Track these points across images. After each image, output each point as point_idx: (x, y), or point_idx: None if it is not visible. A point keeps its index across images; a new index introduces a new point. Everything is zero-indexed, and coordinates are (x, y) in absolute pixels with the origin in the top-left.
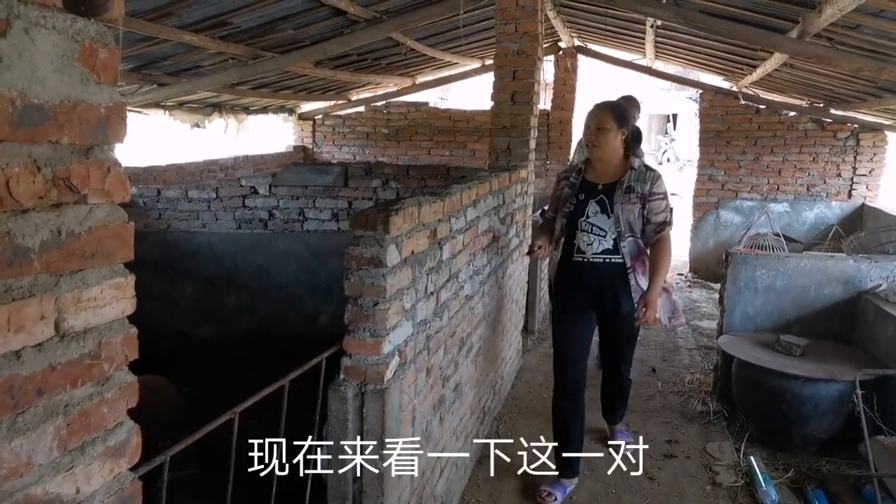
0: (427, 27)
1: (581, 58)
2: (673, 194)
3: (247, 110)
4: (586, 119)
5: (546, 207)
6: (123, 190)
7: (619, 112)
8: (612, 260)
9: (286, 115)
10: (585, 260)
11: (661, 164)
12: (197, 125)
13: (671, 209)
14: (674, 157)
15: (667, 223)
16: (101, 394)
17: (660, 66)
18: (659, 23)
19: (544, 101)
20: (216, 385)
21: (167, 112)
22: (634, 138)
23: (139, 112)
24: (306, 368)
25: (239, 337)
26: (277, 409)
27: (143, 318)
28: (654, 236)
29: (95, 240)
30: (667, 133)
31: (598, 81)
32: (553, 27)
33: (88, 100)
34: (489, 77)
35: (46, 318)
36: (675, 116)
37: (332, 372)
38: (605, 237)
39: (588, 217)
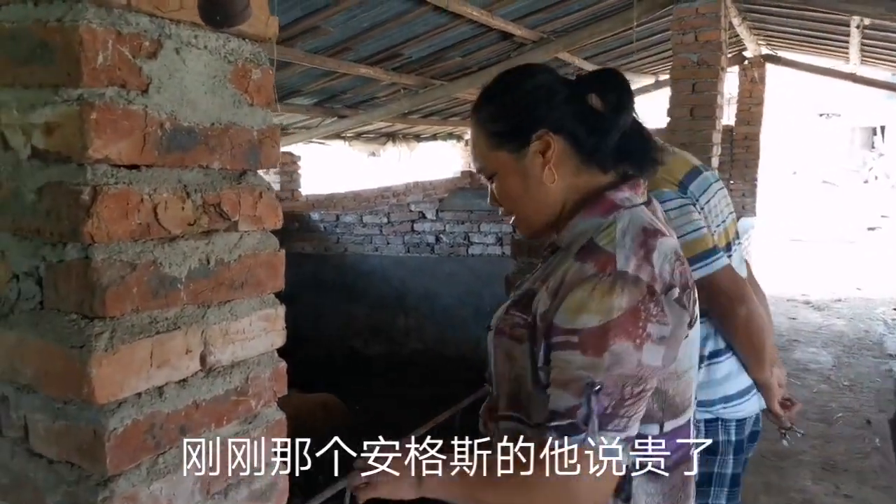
0: (596, 45)
1: (769, 66)
2: (883, 216)
3: (417, 138)
4: None
5: None
6: (275, 216)
7: (503, 107)
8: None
9: (454, 141)
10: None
11: (866, 182)
12: (373, 154)
13: (634, 378)
14: (882, 174)
15: (573, 429)
16: (247, 432)
17: (866, 71)
18: (867, 22)
19: (728, 116)
20: (383, 403)
21: (347, 142)
22: (594, 132)
23: (322, 143)
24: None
25: (406, 356)
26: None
27: (320, 335)
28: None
29: (245, 269)
30: (874, 147)
31: (787, 92)
32: (737, 35)
33: (241, 122)
34: (663, 94)
35: (192, 351)
36: (883, 129)
37: None
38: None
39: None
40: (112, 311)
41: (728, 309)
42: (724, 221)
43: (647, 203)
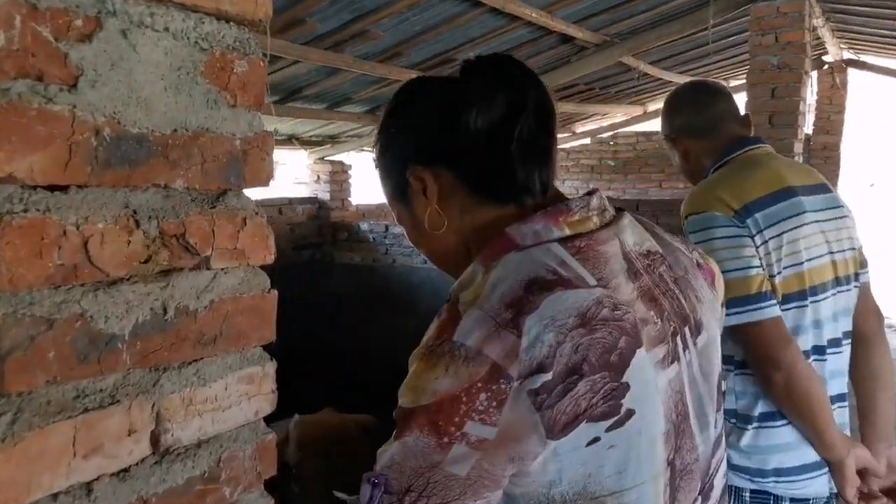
0: (663, 48)
1: (851, 71)
2: None
3: None
4: None
5: None
6: (265, 248)
7: (378, 146)
8: None
9: None
10: None
11: None
12: None
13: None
14: None
15: None
16: None
17: None
18: None
19: (805, 125)
20: None
21: None
22: (473, 155)
23: (373, 152)
24: None
25: None
26: None
27: (366, 349)
28: None
29: (220, 318)
30: None
31: (871, 100)
32: (818, 38)
33: (217, 128)
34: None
35: (137, 431)
36: None
37: None
38: None
39: None
40: (15, 386)
41: (762, 372)
42: (814, 259)
43: (589, 233)
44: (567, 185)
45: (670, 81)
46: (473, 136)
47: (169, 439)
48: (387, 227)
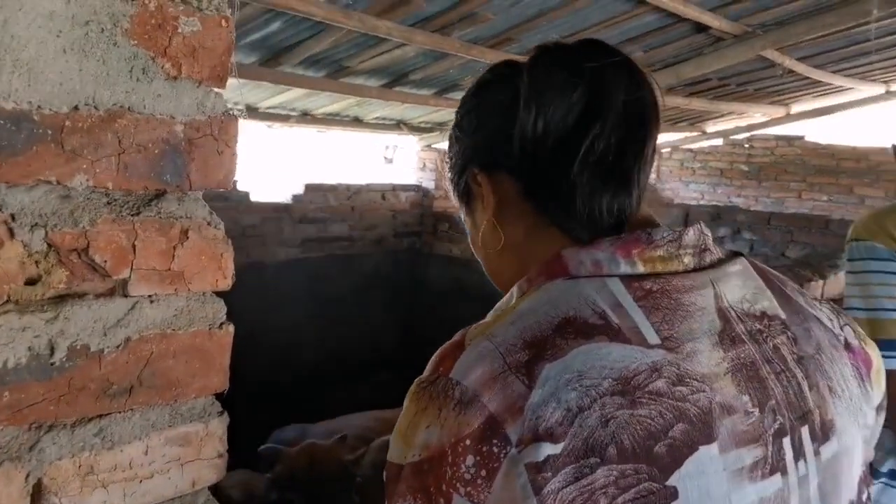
0: (814, 43)
1: None
2: None
3: None
4: None
5: None
6: (218, 271)
7: (461, 115)
8: None
9: None
10: None
11: None
12: None
13: None
14: None
15: None
16: None
17: None
18: None
19: None
20: None
21: None
22: (538, 167)
23: None
24: None
25: None
26: None
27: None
28: None
29: (138, 361)
30: None
31: None
32: None
33: (145, 108)
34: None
35: None
36: None
37: None
38: None
39: None
40: None
41: None
42: None
43: (671, 275)
44: (692, 188)
45: (819, 81)
46: (532, 142)
47: None
48: None
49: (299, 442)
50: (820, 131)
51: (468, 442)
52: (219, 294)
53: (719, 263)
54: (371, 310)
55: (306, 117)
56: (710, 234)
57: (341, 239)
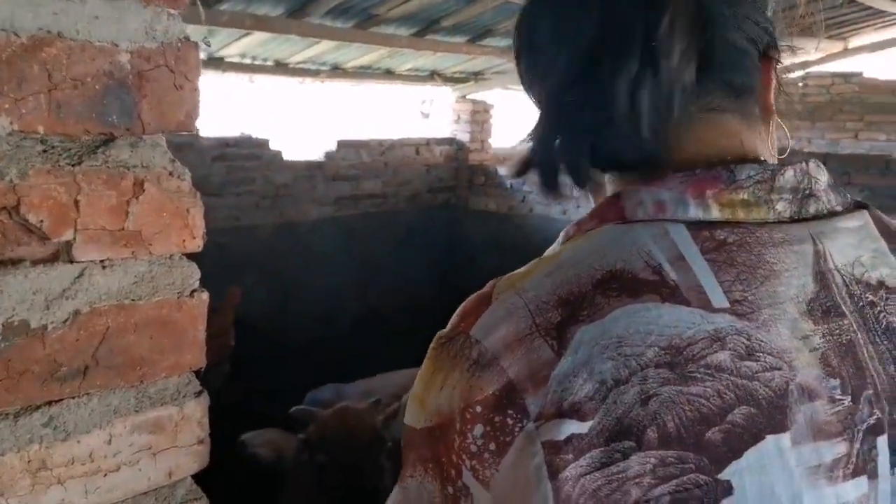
0: None
1: None
2: None
3: None
4: None
5: None
6: (184, 229)
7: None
8: None
9: None
10: None
11: None
12: None
13: None
14: None
15: None
16: None
17: None
18: None
19: None
20: None
21: None
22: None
23: (518, 90)
24: None
25: None
26: None
27: None
28: None
29: (91, 338)
30: None
31: None
32: None
33: (77, 34)
34: None
35: None
36: None
37: None
38: None
39: None
40: None
41: None
42: None
43: (757, 225)
44: None
45: (884, 12)
46: (589, 35)
47: None
48: None
49: (334, 403)
50: (880, 68)
51: (478, 409)
52: (190, 256)
53: (830, 216)
54: (407, 266)
55: (337, 71)
56: (822, 178)
57: (375, 196)
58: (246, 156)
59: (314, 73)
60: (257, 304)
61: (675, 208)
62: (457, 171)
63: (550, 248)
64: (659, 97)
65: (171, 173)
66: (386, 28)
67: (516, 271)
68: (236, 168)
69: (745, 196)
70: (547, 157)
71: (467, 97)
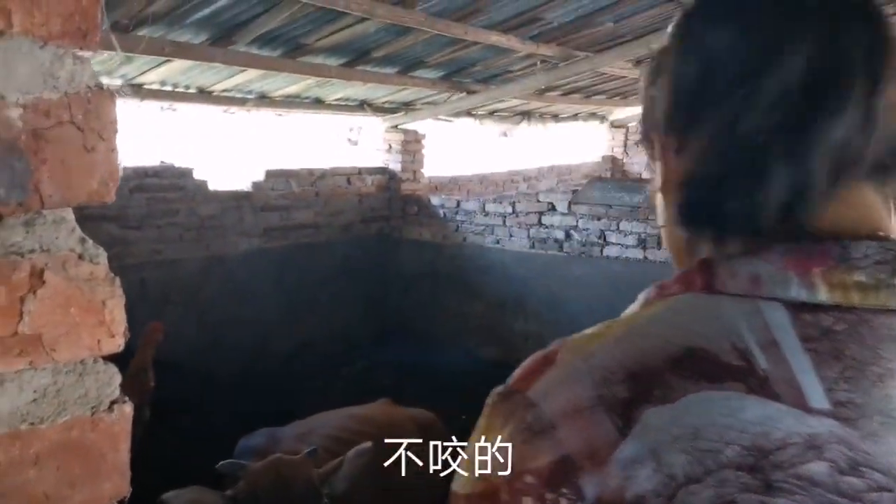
0: None
1: None
2: None
3: (556, 118)
4: None
5: None
6: (101, 327)
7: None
8: None
9: (598, 122)
10: None
11: None
12: (504, 134)
13: None
14: None
15: None
16: None
17: None
18: None
19: None
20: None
21: (477, 120)
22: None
23: (448, 120)
24: None
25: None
26: None
27: (433, 329)
28: None
29: None
30: None
31: None
32: None
33: None
34: None
35: None
36: None
37: None
38: None
39: None
40: None
41: None
42: None
43: (872, 311)
44: None
45: None
46: (683, 99)
47: None
48: (458, 203)
49: (268, 449)
50: None
51: (529, 479)
52: (108, 358)
53: None
54: (341, 298)
55: (264, 100)
56: None
57: (306, 226)
58: (168, 186)
59: (240, 102)
60: (183, 342)
61: (774, 285)
62: (390, 201)
63: (629, 309)
64: (849, 153)
65: (80, 256)
66: (314, 58)
67: (585, 331)
68: (157, 199)
69: (863, 277)
70: (708, 197)
71: (398, 127)
